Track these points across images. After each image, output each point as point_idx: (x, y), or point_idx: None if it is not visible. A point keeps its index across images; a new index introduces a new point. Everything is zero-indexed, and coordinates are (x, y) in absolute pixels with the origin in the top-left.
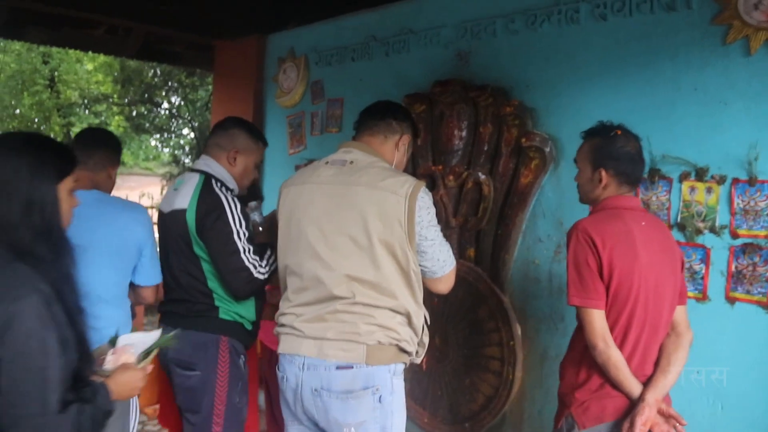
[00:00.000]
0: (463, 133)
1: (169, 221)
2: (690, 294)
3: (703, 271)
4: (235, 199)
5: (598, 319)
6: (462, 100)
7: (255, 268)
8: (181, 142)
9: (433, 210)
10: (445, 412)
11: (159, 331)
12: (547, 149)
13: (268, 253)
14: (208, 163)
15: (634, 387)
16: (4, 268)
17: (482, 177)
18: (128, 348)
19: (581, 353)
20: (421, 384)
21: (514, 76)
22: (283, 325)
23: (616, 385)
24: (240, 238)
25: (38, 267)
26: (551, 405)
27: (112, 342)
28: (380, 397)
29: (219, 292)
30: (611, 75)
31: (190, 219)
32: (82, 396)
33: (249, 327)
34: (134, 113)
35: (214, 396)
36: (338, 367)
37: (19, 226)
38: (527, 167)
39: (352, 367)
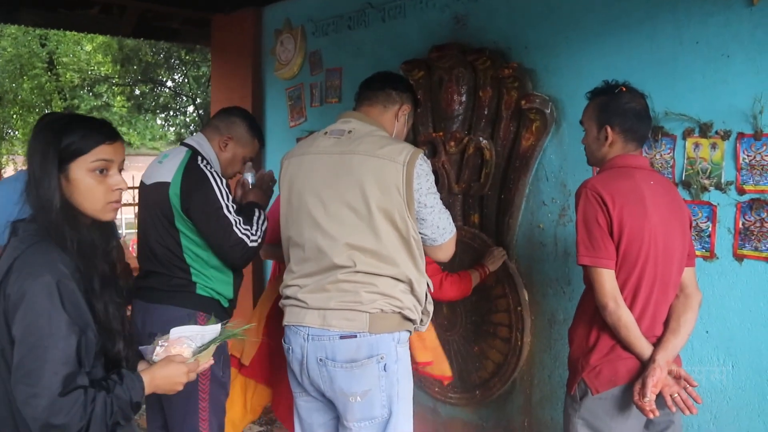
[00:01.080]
0: (463, 98)
1: (151, 193)
2: (697, 253)
3: (710, 229)
4: (218, 173)
5: (608, 279)
6: (460, 64)
7: (248, 238)
8: (187, 120)
9: (431, 177)
10: (456, 380)
11: (219, 325)
12: (548, 111)
13: (256, 215)
14: (198, 140)
15: (645, 348)
16: (30, 247)
17: (483, 142)
18: (183, 340)
19: (591, 316)
20: None
21: (513, 37)
22: (288, 297)
23: (626, 347)
24: (230, 212)
25: (62, 246)
26: (560, 369)
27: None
28: (385, 365)
29: (196, 267)
30: (611, 32)
31: (174, 193)
32: (105, 383)
33: (226, 304)
34: (137, 93)
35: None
36: (342, 337)
37: (41, 209)
38: (528, 130)
39: (356, 336)
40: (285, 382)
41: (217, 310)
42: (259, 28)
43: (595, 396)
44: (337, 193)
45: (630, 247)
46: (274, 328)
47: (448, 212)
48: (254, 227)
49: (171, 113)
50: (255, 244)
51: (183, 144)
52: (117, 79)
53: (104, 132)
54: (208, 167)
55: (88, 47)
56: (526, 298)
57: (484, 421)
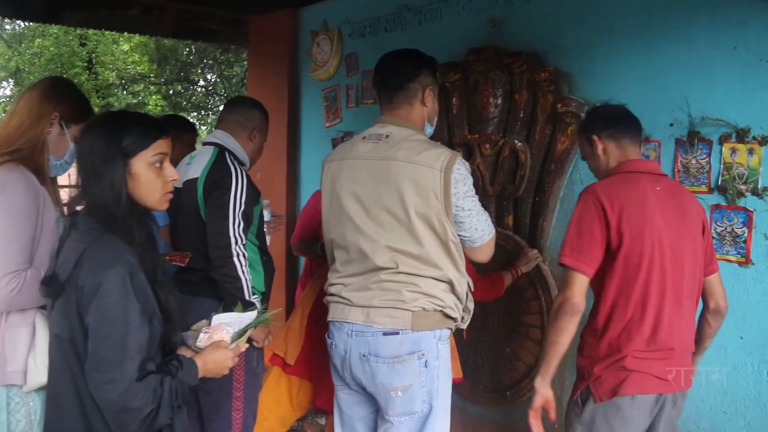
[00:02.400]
0: (499, 101)
1: (184, 193)
2: (732, 258)
3: (746, 235)
4: (246, 173)
5: (580, 283)
6: (496, 67)
7: (236, 243)
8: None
9: (469, 180)
10: (487, 381)
11: (255, 312)
12: (584, 114)
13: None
14: (221, 137)
15: (548, 373)
16: (96, 240)
17: (519, 144)
18: (223, 326)
19: (601, 326)
20: (462, 353)
21: (549, 41)
22: (332, 294)
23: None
24: (236, 209)
25: (128, 239)
26: None
27: (209, 320)
28: (426, 361)
29: None
30: (648, 36)
31: (200, 186)
32: (168, 368)
33: (259, 296)
34: (171, 92)
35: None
36: (385, 333)
37: (102, 203)
38: (564, 133)
39: (398, 333)
40: (327, 374)
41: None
42: (295, 30)
43: (598, 404)
44: (377, 199)
45: (631, 252)
46: (315, 325)
47: (487, 214)
48: (246, 239)
49: (203, 112)
50: (240, 252)
51: (207, 143)
52: (153, 78)
53: (159, 127)
54: (235, 163)
55: (125, 47)
56: None
57: (514, 422)
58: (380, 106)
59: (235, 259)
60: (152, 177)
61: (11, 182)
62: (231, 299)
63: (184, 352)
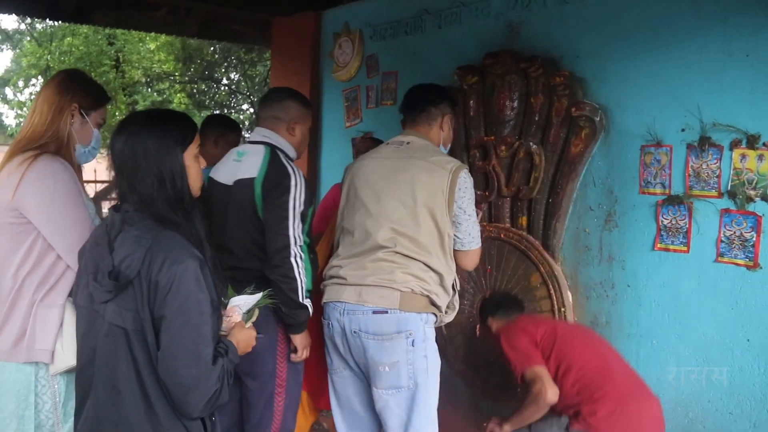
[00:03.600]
0: (515, 104)
1: (234, 191)
2: (740, 262)
3: (754, 239)
4: (302, 174)
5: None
6: (513, 71)
7: (295, 243)
8: (241, 117)
9: (471, 191)
10: (498, 378)
11: (260, 294)
12: (597, 119)
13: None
14: (266, 135)
15: None
16: (159, 237)
17: (533, 147)
18: (235, 309)
19: None
20: (474, 350)
21: (564, 46)
22: (330, 278)
23: None
24: (295, 210)
25: (187, 234)
26: None
27: (224, 304)
28: (413, 341)
29: None
30: (661, 43)
31: (258, 185)
32: (219, 351)
33: (307, 295)
34: (195, 90)
35: (276, 358)
36: (374, 312)
37: (156, 198)
38: (578, 137)
39: (387, 312)
40: (323, 379)
41: None
42: (318, 31)
43: None
44: (391, 188)
45: None
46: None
47: (479, 227)
48: (303, 240)
49: (226, 111)
50: (298, 251)
51: (252, 142)
52: (178, 77)
53: (192, 121)
54: (290, 162)
55: (152, 46)
56: (570, 301)
57: None
58: (403, 126)
59: (293, 259)
60: (197, 168)
61: (58, 170)
62: (285, 300)
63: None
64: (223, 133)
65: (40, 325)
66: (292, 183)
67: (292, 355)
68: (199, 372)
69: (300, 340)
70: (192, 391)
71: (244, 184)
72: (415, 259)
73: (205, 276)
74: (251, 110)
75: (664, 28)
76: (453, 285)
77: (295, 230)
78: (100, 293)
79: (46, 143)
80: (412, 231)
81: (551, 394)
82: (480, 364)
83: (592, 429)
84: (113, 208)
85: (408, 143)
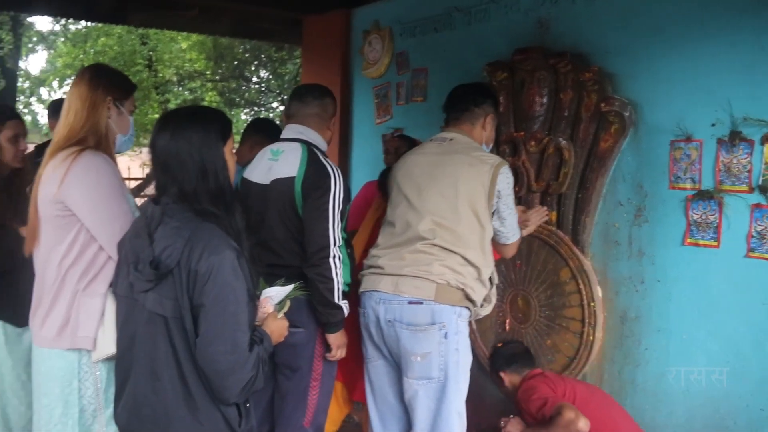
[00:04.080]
0: (544, 100)
1: (272, 190)
2: None
3: None
4: (340, 172)
5: None
6: (542, 67)
7: (334, 244)
8: (271, 115)
9: (512, 186)
10: None
11: (292, 285)
12: (627, 114)
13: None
14: (301, 131)
15: None
16: (198, 228)
17: (563, 142)
18: (267, 300)
19: None
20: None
21: (594, 42)
22: (368, 267)
23: None
24: (335, 210)
25: (226, 226)
26: (630, 366)
27: (257, 295)
28: (446, 333)
29: None
30: (691, 37)
31: (298, 185)
32: (254, 338)
33: (345, 288)
34: (225, 89)
35: (313, 352)
36: (410, 302)
37: (199, 192)
38: (607, 132)
39: (422, 303)
40: (358, 372)
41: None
42: (348, 29)
43: None
44: (433, 182)
45: None
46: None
47: (517, 216)
48: (341, 243)
49: (256, 109)
50: (336, 253)
51: (287, 139)
52: (209, 75)
53: (228, 118)
54: (329, 160)
55: (183, 45)
56: (600, 295)
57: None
58: (446, 124)
59: (331, 260)
60: (233, 163)
61: (101, 165)
62: (320, 299)
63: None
64: (261, 141)
65: (83, 313)
66: (332, 182)
67: (328, 355)
68: (236, 358)
69: (335, 339)
70: (229, 377)
71: (284, 183)
72: (453, 252)
73: (241, 266)
74: (281, 108)
75: (695, 23)
76: (490, 278)
77: (335, 231)
78: (141, 282)
79: (85, 138)
80: (452, 224)
81: (583, 423)
82: None
83: None
84: (152, 201)
85: (451, 140)
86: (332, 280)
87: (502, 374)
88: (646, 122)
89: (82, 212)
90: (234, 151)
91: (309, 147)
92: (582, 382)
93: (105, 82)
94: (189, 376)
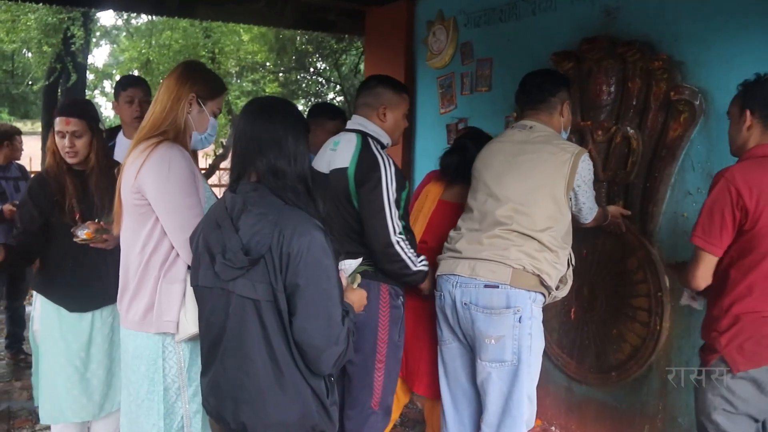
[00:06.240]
0: (611, 89)
1: (330, 180)
2: None
3: None
4: (392, 160)
5: (708, 265)
6: (610, 56)
7: (395, 232)
8: None
9: (592, 173)
10: (593, 361)
11: (360, 258)
12: (697, 102)
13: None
14: (361, 122)
15: None
16: (285, 213)
17: (630, 131)
18: (342, 272)
19: (730, 294)
20: (569, 334)
21: (662, 30)
22: (446, 250)
23: None
24: (389, 199)
25: (302, 208)
26: (698, 357)
27: None
28: (520, 317)
29: None
30: (762, 24)
31: (351, 175)
32: (344, 312)
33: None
34: (286, 80)
35: (377, 334)
36: (486, 286)
37: (288, 173)
38: (676, 121)
39: (498, 287)
40: (422, 366)
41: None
42: (411, 20)
43: (737, 375)
44: (513, 168)
45: (762, 231)
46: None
47: (594, 194)
48: (403, 229)
49: (314, 99)
50: (400, 239)
51: (347, 130)
52: (271, 67)
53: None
54: (379, 147)
55: (245, 37)
56: (667, 285)
57: (619, 403)
58: (523, 114)
59: (396, 247)
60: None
61: (175, 157)
62: (400, 275)
63: None
64: (321, 122)
65: (166, 298)
66: (383, 173)
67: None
68: (331, 332)
69: (425, 285)
70: (325, 350)
71: (339, 173)
72: (531, 238)
73: (331, 246)
74: (338, 99)
75: (767, 9)
76: (569, 260)
77: (393, 220)
78: (231, 270)
79: (166, 130)
80: (531, 210)
81: (697, 282)
82: (575, 347)
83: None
84: (229, 190)
85: (531, 127)
86: (403, 260)
87: (747, 112)
88: (716, 111)
89: (153, 201)
90: None
91: (364, 138)
92: None
93: (193, 78)
94: (279, 355)
